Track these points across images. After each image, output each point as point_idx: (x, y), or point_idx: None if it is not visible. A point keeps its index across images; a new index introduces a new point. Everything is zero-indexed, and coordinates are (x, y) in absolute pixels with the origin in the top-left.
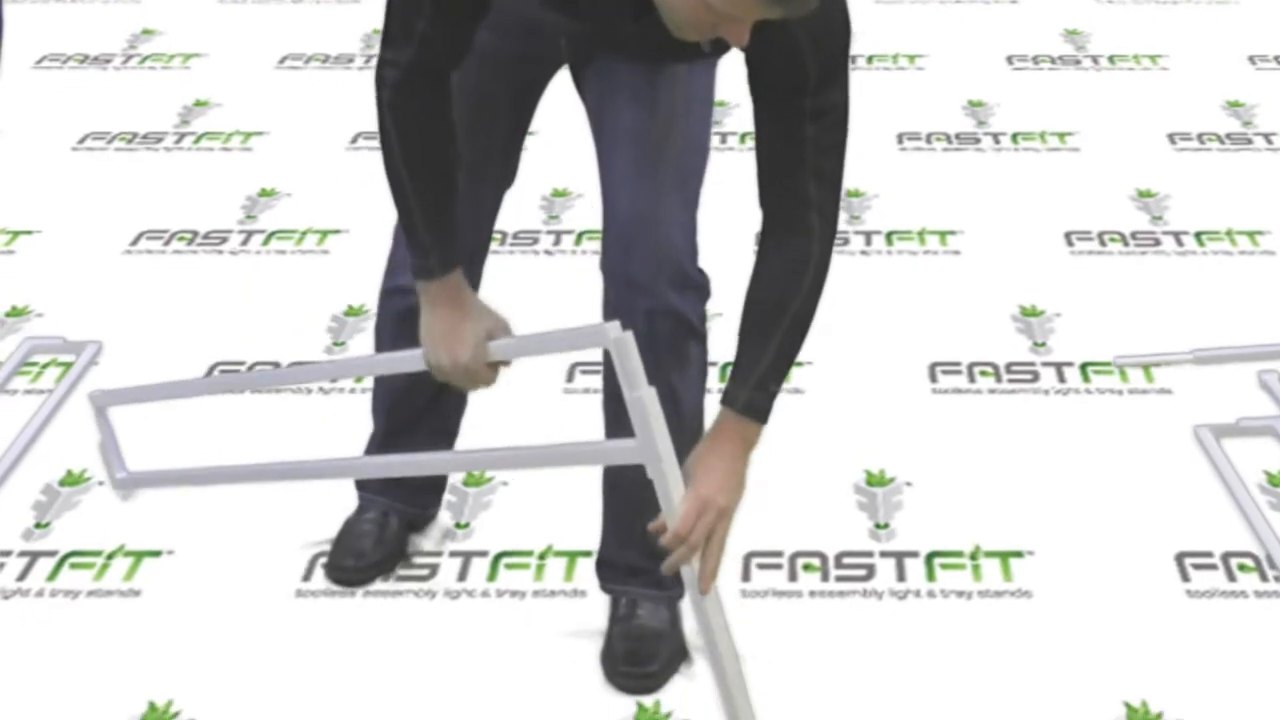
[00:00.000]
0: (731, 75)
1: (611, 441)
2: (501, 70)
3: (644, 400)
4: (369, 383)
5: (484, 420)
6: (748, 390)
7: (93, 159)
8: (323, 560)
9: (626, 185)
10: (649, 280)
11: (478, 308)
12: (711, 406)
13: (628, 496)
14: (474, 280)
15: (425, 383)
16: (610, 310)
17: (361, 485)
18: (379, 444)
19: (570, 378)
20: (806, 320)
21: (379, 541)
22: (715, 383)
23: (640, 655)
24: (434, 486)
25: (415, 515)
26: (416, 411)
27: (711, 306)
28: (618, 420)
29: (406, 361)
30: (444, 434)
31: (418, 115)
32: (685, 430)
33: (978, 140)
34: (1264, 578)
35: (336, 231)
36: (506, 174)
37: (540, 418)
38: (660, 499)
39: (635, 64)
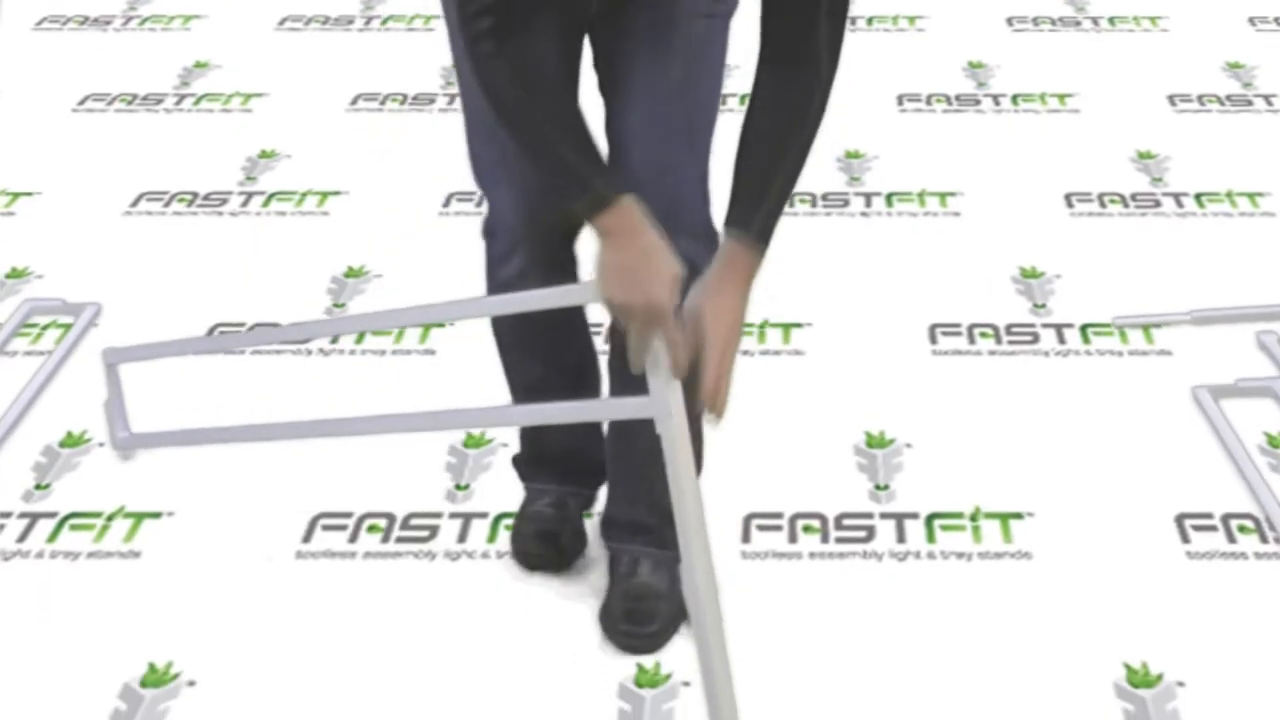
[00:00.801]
0: (736, 37)
1: (624, 399)
2: (543, 24)
3: (659, 354)
4: (369, 342)
5: (487, 374)
6: (760, 216)
7: (93, 120)
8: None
9: (638, 136)
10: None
11: (664, 243)
12: None
13: (635, 454)
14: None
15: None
16: None
17: (529, 478)
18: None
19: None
20: (805, 156)
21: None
22: None
23: (639, 614)
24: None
25: (588, 497)
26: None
27: None
28: (621, 376)
29: (560, 297)
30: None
31: (519, 49)
32: (691, 378)
33: (978, 102)
34: (1264, 539)
35: (337, 193)
36: None
37: None
38: (666, 454)
39: (655, 17)
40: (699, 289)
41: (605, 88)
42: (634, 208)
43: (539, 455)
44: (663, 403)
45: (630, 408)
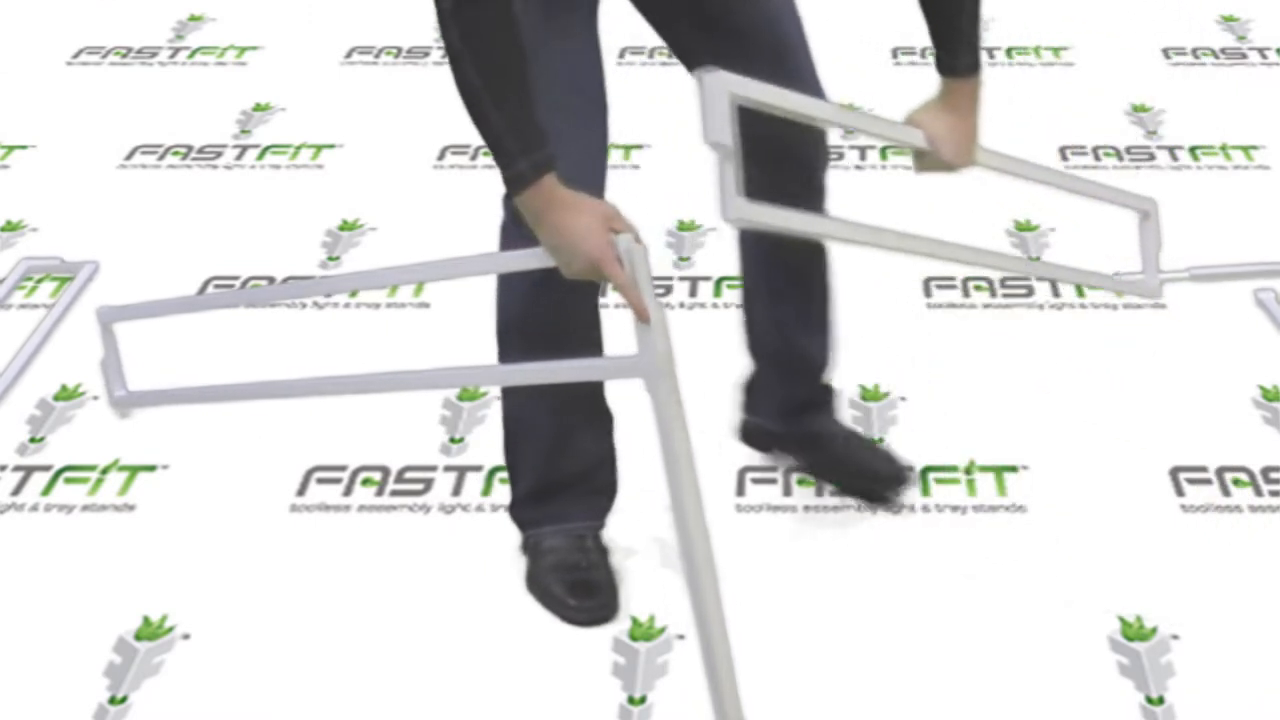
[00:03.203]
0: None
1: (613, 357)
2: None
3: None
4: (364, 296)
5: (482, 327)
6: (962, 52)
7: (87, 74)
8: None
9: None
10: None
11: (581, 197)
12: None
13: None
14: None
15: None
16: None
17: (537, 522)
18: (531, 501)
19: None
20: None
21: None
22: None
23: (899, 472)
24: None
25: (599, 528)
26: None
27: None
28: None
29: (524, 259)
30: (609, 489)
31: (483, 12)
32: None
33: None
34: (1258, 492)
35: (331, 146)
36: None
37: None
38: (655, 414)
39: None
40: (928, 114)
41: (712, 43)
42: (551, 183)
43: (548, 486)
44: (650, 362)
45: (620, 366)
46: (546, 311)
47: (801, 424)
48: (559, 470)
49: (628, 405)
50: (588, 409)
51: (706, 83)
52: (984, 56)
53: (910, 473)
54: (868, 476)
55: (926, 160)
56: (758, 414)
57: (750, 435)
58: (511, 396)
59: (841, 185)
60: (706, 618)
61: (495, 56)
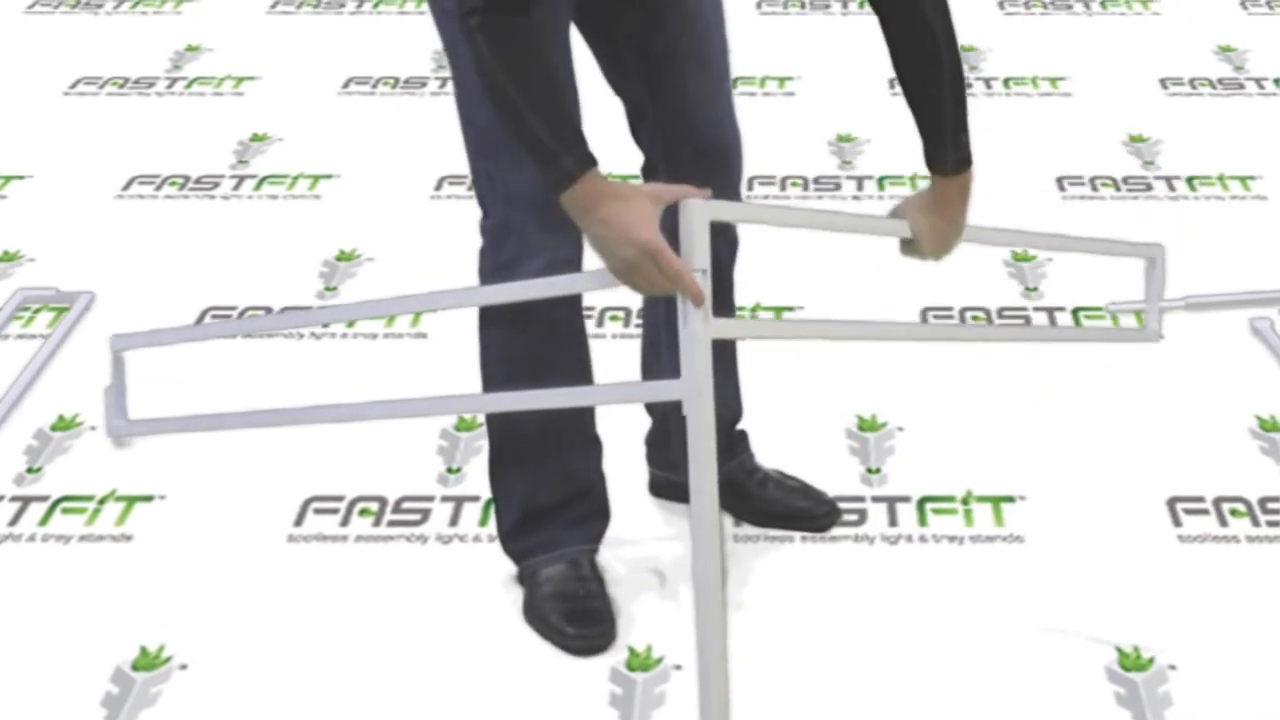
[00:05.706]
0: None
1: (655, 381)
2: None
3: (695, 337)
4: (361, 326)
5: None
6: (948, 150)
7: (84, 104)
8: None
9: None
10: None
11: (628, 186)
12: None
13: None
14: None
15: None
16: None
17: (530, 552)
18: (521, 531)
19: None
20: (959, 78)
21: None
22: None
23: (815, 493)
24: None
25: (594, 551)
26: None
27: None
28: (651, 368)
29: (575, 283)
30: (600, 512)
31: (508, 24)
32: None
33: (969, 85)
34: (1256, 523)
35: (328, 176)
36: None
37: None
38: (690, 436)
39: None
40: (914, 208)
41: (630, 58)
42: (597, 177)
43: (538, 511)
44: (692, 383)
45: (660, 389)
46: (529, 347)
47: None
48: (548, 494)
49: (616, 435)
50: (577, 432)
51: (687, 210)
52: (978, 112)
53: (836, 507)
54: (796, 518)
55: (909, 248)
56: (665, 468)
57: (661, 489)
58: (496, 421)
59: None
60: (708, 635)
61: (525, 63)
